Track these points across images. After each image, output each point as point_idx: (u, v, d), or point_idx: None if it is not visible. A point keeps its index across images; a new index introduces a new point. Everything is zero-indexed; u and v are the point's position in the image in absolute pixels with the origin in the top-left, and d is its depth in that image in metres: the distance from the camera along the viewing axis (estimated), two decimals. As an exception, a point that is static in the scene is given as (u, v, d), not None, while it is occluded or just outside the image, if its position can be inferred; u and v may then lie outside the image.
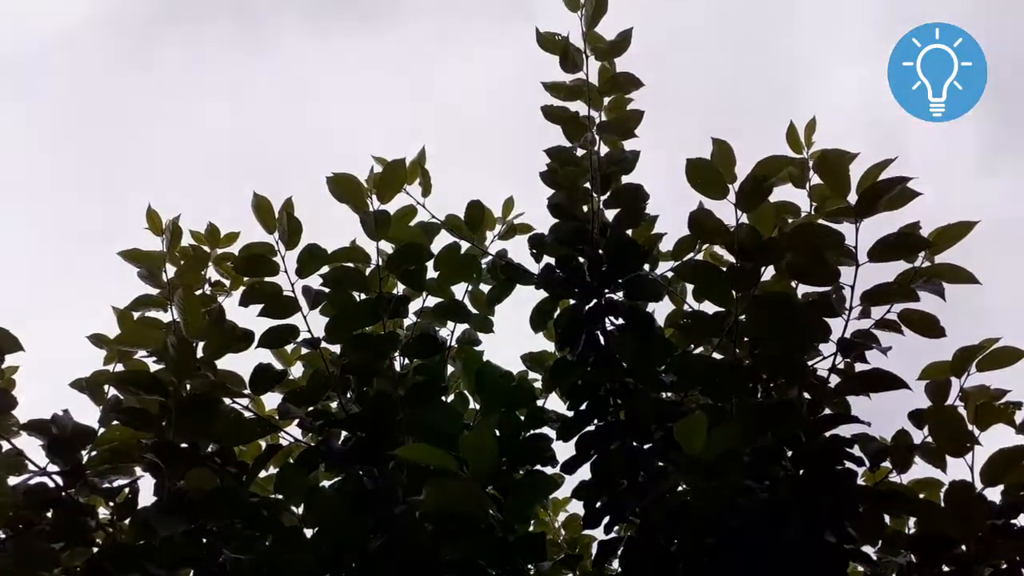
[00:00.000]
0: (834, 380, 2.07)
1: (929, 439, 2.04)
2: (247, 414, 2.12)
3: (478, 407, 2.22)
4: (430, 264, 2.09)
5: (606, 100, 2.24)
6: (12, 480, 1.97)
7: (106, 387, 2.12)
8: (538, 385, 2.35)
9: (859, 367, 2.07)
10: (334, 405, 2.18)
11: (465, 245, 2.24)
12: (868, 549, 2.07)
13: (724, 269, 2.10)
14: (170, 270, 2.26)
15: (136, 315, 2.19)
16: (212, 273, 2.35)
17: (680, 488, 1.98)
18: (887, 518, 2.06)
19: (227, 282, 2.35)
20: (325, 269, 2.08)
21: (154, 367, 2.08)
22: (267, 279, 2.09)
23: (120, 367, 2.12)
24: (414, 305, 2.21)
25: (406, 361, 2.16)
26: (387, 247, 2.13)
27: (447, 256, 2.10)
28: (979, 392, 2.08)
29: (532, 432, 2.03)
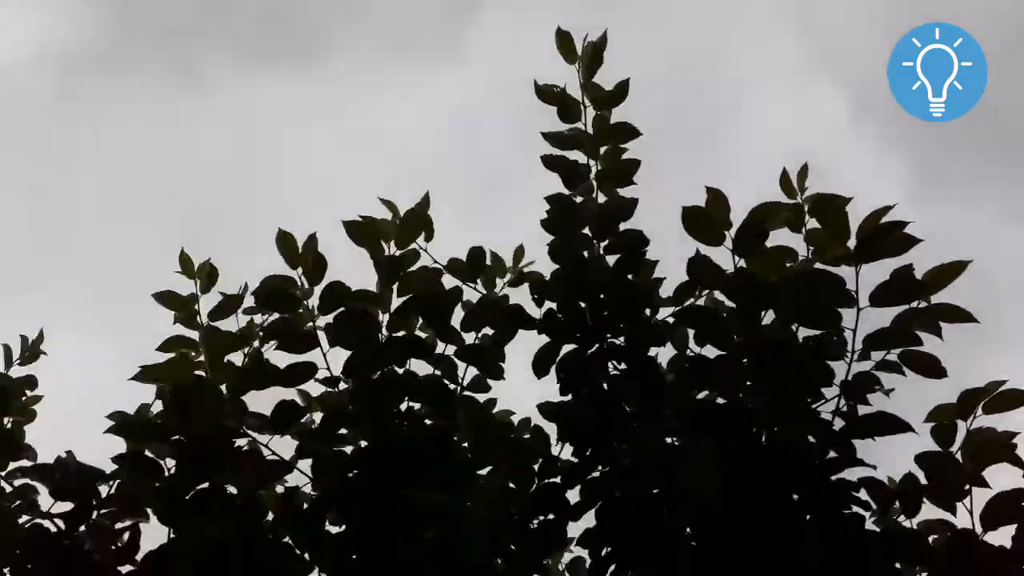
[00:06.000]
0: (838, 424, 2.07)
1: (939, 483, 2.03)
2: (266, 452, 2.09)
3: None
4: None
5: (602, 149, 2.26)
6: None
7: None
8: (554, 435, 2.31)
9: (863, 410, 2.07)
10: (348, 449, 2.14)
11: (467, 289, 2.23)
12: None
13: (725, 315, 2.11)
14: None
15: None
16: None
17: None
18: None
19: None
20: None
21: None
22: (289, 314, 2.09)
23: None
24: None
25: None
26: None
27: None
28: (985, 435, 2.05)
29: (546, 481, 2.00)
